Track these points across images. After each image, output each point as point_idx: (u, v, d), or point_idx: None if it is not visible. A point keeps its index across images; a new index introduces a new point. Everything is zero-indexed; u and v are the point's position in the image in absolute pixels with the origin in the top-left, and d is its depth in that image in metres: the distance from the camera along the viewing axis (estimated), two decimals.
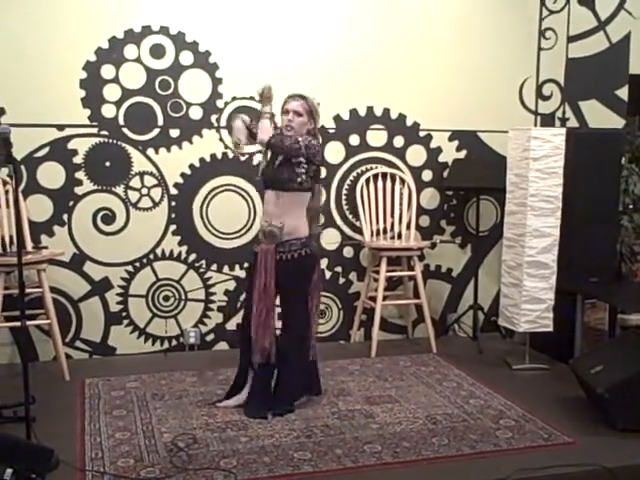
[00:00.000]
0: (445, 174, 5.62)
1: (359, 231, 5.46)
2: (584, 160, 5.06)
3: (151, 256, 5.16)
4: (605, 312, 5.23)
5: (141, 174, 5.08)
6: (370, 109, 5.44)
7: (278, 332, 4.14)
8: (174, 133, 5.10)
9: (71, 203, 4.98)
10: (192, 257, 5.24)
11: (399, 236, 5.48)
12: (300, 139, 3.98)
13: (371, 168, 5.46)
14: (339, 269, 5.51)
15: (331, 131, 5.36)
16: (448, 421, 4.04)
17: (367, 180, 5.41)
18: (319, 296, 4.28)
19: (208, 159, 5.17)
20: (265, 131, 3.98)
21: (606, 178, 5.14)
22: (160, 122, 5.06)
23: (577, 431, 3.90)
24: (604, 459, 3.53)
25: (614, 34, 5.85)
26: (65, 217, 4.97)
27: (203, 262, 5.26)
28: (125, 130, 5.01)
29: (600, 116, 5.88)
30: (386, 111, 5.48)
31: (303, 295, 4.13)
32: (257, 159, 4.45)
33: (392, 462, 3.53)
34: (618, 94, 5.94)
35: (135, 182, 5.08)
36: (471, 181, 5.44)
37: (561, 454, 3.63)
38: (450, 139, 5.64)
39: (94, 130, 4.96)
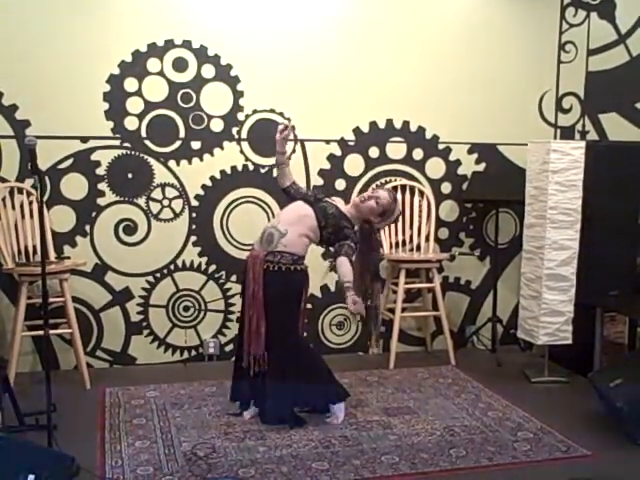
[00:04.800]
0: (464, 186, 5.63)
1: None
2: (604, 173, 5.05)
3: (172, 267, 5.21)
4: (625, 325, 5.20)
5: (162, 186, 5.14)
6: (390, 122, 5.47)
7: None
8: (195, 145, 5.15)
9: (93, 214, 5.04)
10: (212, 268, 5.28)
11: (418, 248, 5.50)
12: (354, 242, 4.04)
13: (390, 180, 5.48)
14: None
15: (351, 143, 5.39)
16: (466, 433, 4.04)
17: None
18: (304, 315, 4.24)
19: (229, 171, 5.22)
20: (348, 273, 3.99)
21: (626, 191, 5.12)
22: (182, 134, 5.12)
23: (595, 444, 3.89)
24: (622, 473, 3.53)
25: (634, 47, 5.84)
26: (87, 228, 5.04)
27: (223, 273, 5.30)
28: (147, 142, 5.07)
29: (620, 129, 5.87)
30: (405, 124, 5.50)
31: (289, 312, 4.03)
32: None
33: (410, 473, 3.54)
34: (638, 107, 5.93)
35: (157, 193, 5.14)
36: (490, 193, 5.45)
37: (579, 467, 3.62)
38: (469, 152, 5.66)
39: (117, 142, 5.02)
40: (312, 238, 4.08)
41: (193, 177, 5.17)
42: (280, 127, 4.17)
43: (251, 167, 5.25)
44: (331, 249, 4.19)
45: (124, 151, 5.04)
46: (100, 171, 5.02)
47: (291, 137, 4.22)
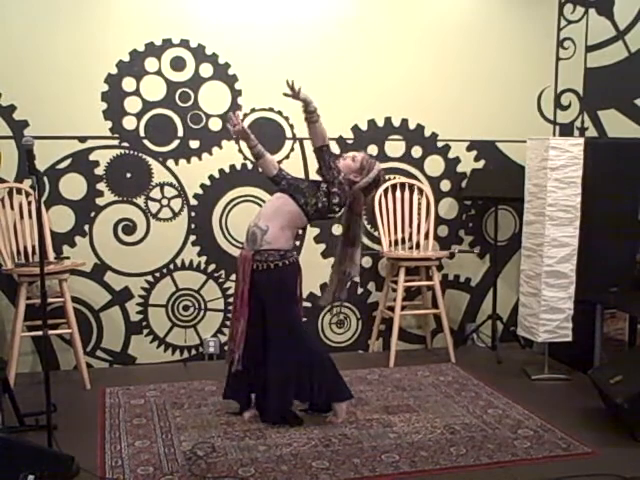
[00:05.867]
0: (463, 184, 5.63)
1: (377, 241, 5.48)
2: (603, 170, 5.04)
3: (171, 266, 5.21)
4: (625, 322, 5.19)
5: (161, 185, 5.14)
6: (388, 119, 5.46)
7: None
8: (194, 144, 5.15)
9: (92, 214, 5.04)
10: (211, 267, 5.28)
11: (417, 246, 5.50)
12: (341, 176, 3.99)
13: (389, 178, 5.47)
14: (357, 279, 5.52)
15: (349, 142, 5.39)
16: (466, 431, 4.04)
17: (385, 190, 5.43)
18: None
19: (227, 170, 5.22)
20: (322, 136, 3.96)
21: (625, 187, 5.11)
22: (180, 133, 5.12)
23: (596, 441, 3.89)
24: (623, 469, 3.51)
25: (633, 43, 5.81)
26: (86, 228, 5.04)
27: (222, 272, 5.30)
28: (146, 142, 5.07)
29: (619, 125, 5.85)
30: (404, 121, 5.50)
31: (286, 307, 4.01)
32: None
33: (410, 471, 3.53)
34: (637, 103, 5.91)
35: (155, 193, 5.13)
36: (489, 191, 5.44)
37: (580, 464, 3.62)
38: (468, 149, 5.65)
39: (115, 142, 5.02)
40: (296, 225, 4.04)
41: (192, 176, 5.17)
42: (229, 125, 4.12)
43: (250, 166, 5.24)
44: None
45: (122, 151, 5.04)
46: (99, 171, 5.01)
47: (240, 120, 4.16)
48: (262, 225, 3.97)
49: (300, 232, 4.19)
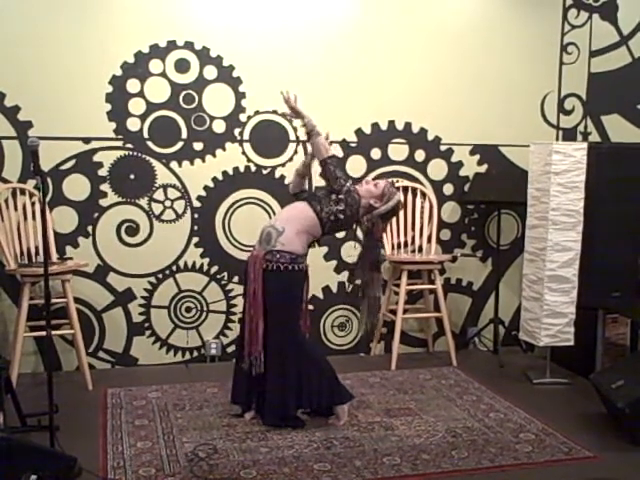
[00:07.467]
0: (466, 188, 5.64)
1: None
2: (606, 174, 5.03)
3: (174, 268, 5.22)
4: (627, 327, 5.19)
5: (165, 187, 5.14)
6: (392, 123, 5.47)
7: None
8: (197, 146, 5.15)
9: (96, 215, 5.05)
10: (214, 269, 5.28)
11: (420, 249, 5.50)
12: (349, 184, 4.06)
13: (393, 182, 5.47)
14: (359, 282, 5.51)
15: (353, 145, 5.40)
16: (468, 434, 4.04)
17: None
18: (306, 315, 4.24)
19: (231, 172, 5.23)
20: (324, 149, 4.10)
21: (628, 192, 5.10)
22: (184, 135, 5.13)
23: (598, 446, 3.88)
24: (625, 474, 3.52)
25: (637, 49, 5.82)
26: (90, 229, 5.04)
27: (225, 274, 5.30)
28: (149, 143, 5.08)
29: (622, 130, 5.85)
30: (408, 125, 5.50)
31: (288, 312, 4.02)
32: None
33: (411, 474, 3.53)
34: None
35: (159, 195, 5.14)
36: (492, 195, 5.45)
37: (581, 469, 3.62)
38: (471, 153, 5.66)
39: (119, 143, 5.03)
40: (311, 233, 4.06)
41: (195, 178, 5.18)
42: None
43: (253, 168, 5.25)
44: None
45: (126, 152, 5.05)
46: (102, 172, 5.02)
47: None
48: (278, 226, 3.99)
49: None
